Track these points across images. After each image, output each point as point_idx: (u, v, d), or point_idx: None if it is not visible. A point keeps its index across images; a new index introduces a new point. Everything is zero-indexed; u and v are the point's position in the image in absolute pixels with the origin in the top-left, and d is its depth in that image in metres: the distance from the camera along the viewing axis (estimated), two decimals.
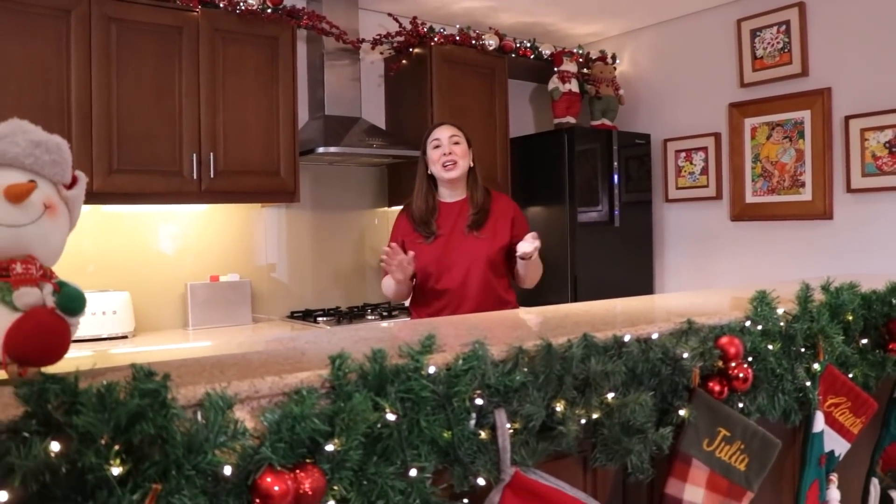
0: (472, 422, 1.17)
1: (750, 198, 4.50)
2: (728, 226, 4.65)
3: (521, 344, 1.25)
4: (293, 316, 4.11)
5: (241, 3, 3.56)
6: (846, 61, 4.06)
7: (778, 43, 4.32)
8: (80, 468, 0.84)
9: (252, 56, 3.66)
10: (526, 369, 1.23)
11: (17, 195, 1.02)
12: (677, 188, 4.91)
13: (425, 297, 2.88)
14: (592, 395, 1.31)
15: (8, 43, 3.02)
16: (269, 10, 3.64)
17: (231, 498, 0.93)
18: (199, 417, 0.93)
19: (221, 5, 3.52)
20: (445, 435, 1.12)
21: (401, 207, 3.03)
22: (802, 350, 1.76)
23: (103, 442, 0.85)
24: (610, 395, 1.32)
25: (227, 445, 0.92)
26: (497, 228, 2.86)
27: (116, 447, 0.85)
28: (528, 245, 2.66)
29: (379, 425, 1.05)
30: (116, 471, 0.85)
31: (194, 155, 3.46)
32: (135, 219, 3.70)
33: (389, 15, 4.36)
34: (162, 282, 3.78)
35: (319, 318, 3.90)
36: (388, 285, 2.87)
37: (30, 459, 0.81)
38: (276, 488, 0.92)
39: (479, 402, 1.16)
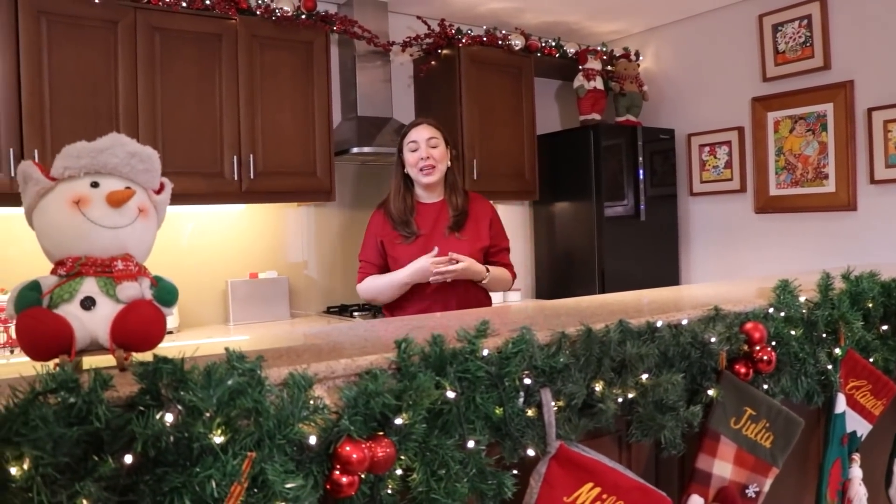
0: (521, 400, 1.28)
1: (774, 190, 4.58)
2: (752, 218, 4.73)
3: (563, 329, 1.37)
4: (329, 311, 4.25)
5: (277, 10, 3.70)
6: (868, 54, 4.13)
7: (800, 37, 4.39)
8: (188, 437, 0.97)
9: (288, 61, 3.80)
10: (568, 352, 1.35)
11: (118, 201, 1.15)
12: (702, 182, 4.99)
13: (406, 298, 2.74)
14: (628, 375, 1.42)
15: (62, 54, 3.18)
16: (303, 17, 3.78)
17: (314, 465, 1.06)
18: (285, 395, 1.06)
19: (258, 13, 3.67)
20: (498, 411, 1.24)
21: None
22: (824, 335, 1.86)
23: (208, 415, 0.97)
24: (644, 376, 1.43)
25: (309, 419, 1.05)
26: (477, 230, 2.78)
27: (218, 419, 0.98)
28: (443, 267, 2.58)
29: (440, 402, 1.17)
30: (219, 440, 0.97)
31: (235, 157, 3.61)
32: (178, 218, 3.86)
33: (418, 17, 4.48)
34: (204, 279, 3.94)
35: (355, 313, 4.03)
36: (382, 288, 2.75)
37: (148, 429, 0.93)
38: (355, 456, 1.05)
39: (527, 381, 1.28)
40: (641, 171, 4.84)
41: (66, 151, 1.19)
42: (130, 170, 1.20)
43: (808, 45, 4.35)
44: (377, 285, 2.77)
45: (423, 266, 2.60)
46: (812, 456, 2.06)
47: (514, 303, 4.63)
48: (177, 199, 3.58)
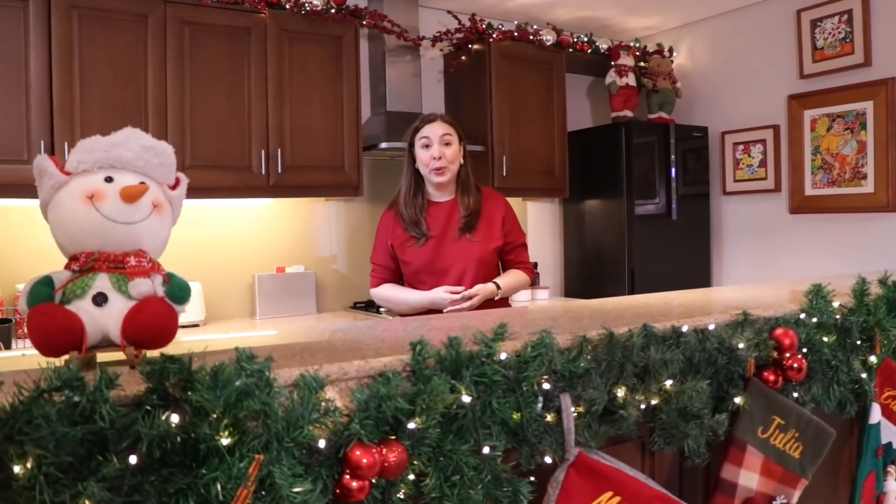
0: (540, 405, 1.25)
1: (809, 190, 4.48)
2: (787, 218, 4.63)
3: (584, 333, 1.34)
4: (356, 306, 4.24)
5: (307, 4, 3.68)
6: None
7: (839, 33, 4.28)
8: (194, 438, 0.95)
9: (317, 55, 3.78)
10: (589, 357, 1.31)
11: (131, 196, 1.13)
12: (735, 181, 4.90)
13: None
14: (651, 381, 1.38)
15: (92, 47, 3.20)
16: (332, 11, 3.76)
17: (324, 468, 1.03)
18: (295, 396, 1.03)
19: (288, 6, 3.65)
20: (515, 416, 1.21)
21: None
22: (858, 343, 1.80)
23: (214, 416, 0.95)
24: (668, 382, 1.39)
25: (319, 421, 1.03)
26: (489, 230, 2.69)
27: (225, 420, 0.96)
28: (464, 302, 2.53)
29: (455, 406, 1.14)
30: (226, 441, 0.95)
31: (263, 151, 3.61)
32: (206, 212, 3.87)
33: (449, 12, 4.45)
34: (231, 273, 3.95)
35: (381, 309, 4.01)
36: (395, 303, 2.73)
37: (153, 429, 0.92)
38: (365, 460, 1.02)
39: (546, 386, 1.24)
40: (674, 170, 4.76)
41: (80, 145, 1.18)
42: (145, 164, 1.18)
43: (847, 41, 4.24)
44: (390, 299, 2.75)
45: (440, 300, 2.55)
46: (845, 468, 2.00)
47: (541, 301, 4.59)
48: (205, 192, 3.62)
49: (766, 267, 4.75)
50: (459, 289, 2.56)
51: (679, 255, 4.83)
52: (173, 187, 1.24)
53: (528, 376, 1.22)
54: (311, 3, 3.69)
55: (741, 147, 4.85)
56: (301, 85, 3.73)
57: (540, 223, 5.08)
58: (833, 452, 1.73)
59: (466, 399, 1.15)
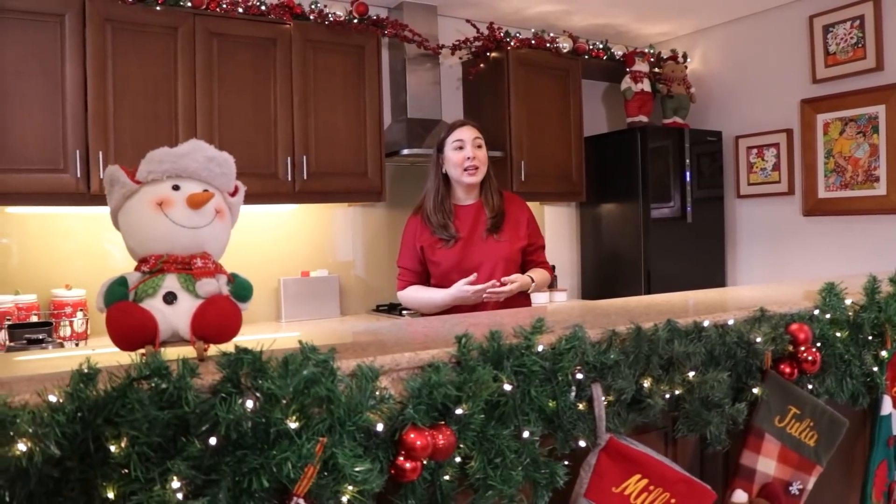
0: (573, 394, 1.35)
1: (822, 193, 4.55)
2: (800, 221, 4.70)
3: (614, 327, 1.43)
4: (378, 309, 4.34)
5: (330, 15, 3.79)
6: None
7: (851, 38, 4.36)
8: (266, 422, 1.05)
9: (340, 64, 3.89)
10: (618, 349, 1.41)
11: (197, 203, 1.24)
12: (749, 184, 4.98)
13: None
14: (675, 373, 1.48)
15: (125, 59, 3.32)
16: (355, 21, 3.87)
17: (380, 450, 1.13)
18: (353, 385, 1.13)
19: (312, 18, 3.77)
20: (551, 404, 1.31)
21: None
22: (870, 338, 1.88)
23: (284, 402, 1.06)
24: (691, 374, 1.48)
25: (376, 408, 1.12)
26: (514, 230, 2.79)
27: (294, 406, 1.06)
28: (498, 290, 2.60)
29: (497, 394, 1.24)
30: (294, 425, 1.05)
31: (288, 158, 3.72)
32: None
33: (467, 21, 4.55)
34: (256, 277, 3.98)
35: (404, 312, 4.11)
36: (421, 304, 2.81)
37: (230, 413, 1.01)
38: (419, 443, 1.12)
39: (579, 376, 1.34)
40: (688, 173, 4.84)
41: (149, 157, 1.28)
42: (209, 174, 1.28)
43: (859, 46, 4.32)
44: (417, 299, 2.83)
45: (462, 293, 2.61)
46: (858, 457, 2.08)
47: (559, 303, 4.68)
48: None
49: (780, 268, 4.82)
50: (472, 277, 2.61)
51: (694, 257, 4.90)
52: (233, 194, 1.34)
53: (563, 367, 1.31)
54: (334, 13, 3.80)
55: (755, 151, 4.93)
56: (325, 93, 3.84)
57: (557, 227, 5.17)
58: (846, 442, 1.82)
59: (508, 387, 1.24)
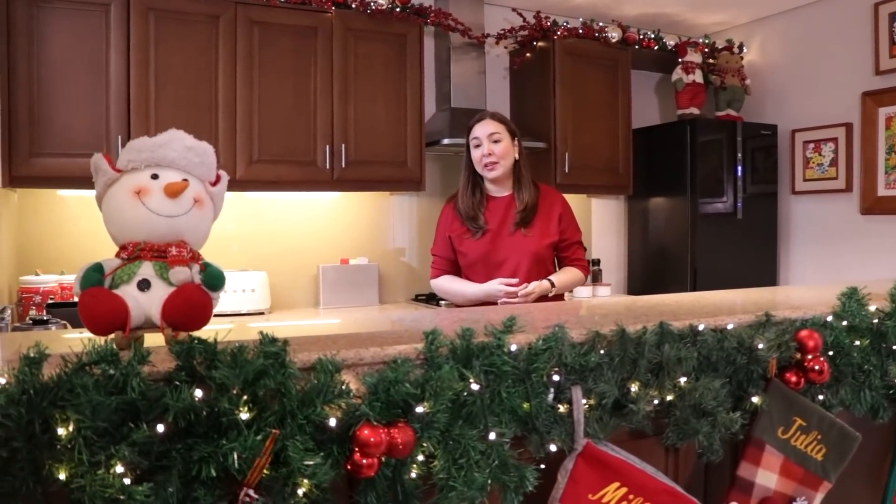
0: (551, 396, 1.31)
1: (882, 191, 4.35)
2: (858, 219, 4.51)
3: (598, 329, 1.39)
4: (417, 299, 4.34)
5: (372, 4, 3.79)
6: None
7: None
8: (217, 412, 1.05)
9: (381, 53, 3.89)
10: (602, 351, 1.36)
11: (174, 191, 1.25)
12: (804, 180, 4.80)
13: None
14: (666, 378, 1.42)
15: (167, 48, 3.38)
16: (398, 10, 3.86)
17: (335, 445, 1.12)
18: (313, 377, 1.12)
19: (353, 6, 3.77)
20: (524, 406, 1.28)
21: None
22: (894, 347, 1.78)
23: (234, 392, 1.05)
24: (682, 379, 1.43)
25: (333, 402, 1.11)
26: (545, 226, 2.77)
27: (245, 397, 1.06)
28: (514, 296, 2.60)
29: (465, 393, 1.21)
30: (244, 416, 1.05)
31: (327, 146, 3.74)
32: (273, 205, 4.03)
33: (514, 10, 4.50)
34: (296, 263, 4.10)
35: (442, 302, 4.10)
36: (453, 295, 2.83)
37: (180, 402, 1.02)
38: (372, 439, 1.10)
39: (556, 378, 1.30)
40: (740, 168, 4.70)
41: (129, 146, 1.30)
42: (187, 163, 1.29)
43: None
44: (449, 290, 2.85)
45: (495, 291, 2.62)
46: (883, 475, 1.98)
47: (602, 298, 4.60)
48: (271, 185, 3.78)
49: (835, 269, 4.64)
50: (514, 281, 2.63)
51: (744, 255, 4.76)
52: (214, 184, 1.34)
53: (538, 368, 1.28)
54: (376, 2, 3.80)
55: (811, 145, 4.75)
56: (365, 82, 3.84)
57: (604, 220, 5.08)
58: (867, 458, 1.73)
59: (475, 387, 1.22)
